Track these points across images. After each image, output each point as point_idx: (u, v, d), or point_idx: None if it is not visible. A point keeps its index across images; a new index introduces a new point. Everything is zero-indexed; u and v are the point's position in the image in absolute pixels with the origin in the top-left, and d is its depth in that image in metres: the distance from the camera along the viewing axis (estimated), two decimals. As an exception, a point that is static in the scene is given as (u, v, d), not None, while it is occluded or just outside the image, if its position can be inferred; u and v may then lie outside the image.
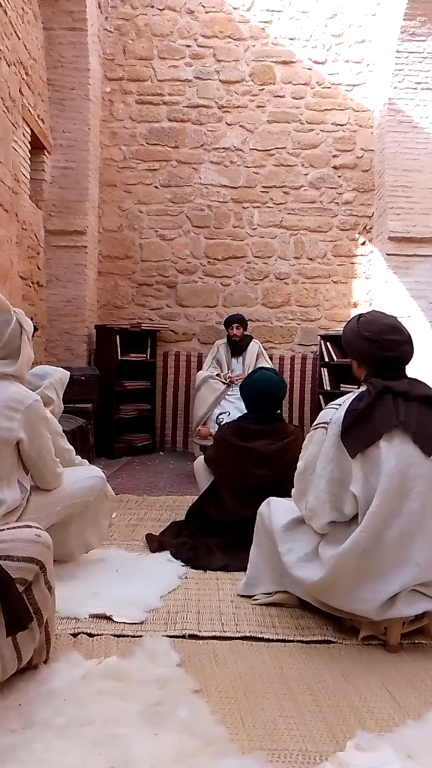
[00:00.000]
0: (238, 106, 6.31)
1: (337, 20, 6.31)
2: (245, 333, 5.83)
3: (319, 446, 2.08)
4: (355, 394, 2.09)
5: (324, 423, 2.10)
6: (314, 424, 2.17)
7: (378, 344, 2.08)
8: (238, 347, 5.80)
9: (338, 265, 6.36)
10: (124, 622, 2.16)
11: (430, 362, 5.93)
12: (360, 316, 2.23)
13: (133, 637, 2.06)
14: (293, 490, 2.20)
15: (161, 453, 6.09)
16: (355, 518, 2.00)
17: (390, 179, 5.93)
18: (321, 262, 6.36)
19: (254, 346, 5.87)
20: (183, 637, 2.09)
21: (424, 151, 5.91)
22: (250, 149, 6.31)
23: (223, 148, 6.30)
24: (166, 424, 6.26)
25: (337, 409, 2.09)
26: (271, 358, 6.13)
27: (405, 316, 5.92)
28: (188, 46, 6.29)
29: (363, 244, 6.37)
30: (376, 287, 6.23)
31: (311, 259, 6.35)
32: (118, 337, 5.74)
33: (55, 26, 5.49)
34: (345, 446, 1.99)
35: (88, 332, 5.83)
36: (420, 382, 2.15)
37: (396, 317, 2.23)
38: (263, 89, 6.30)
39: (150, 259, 6.29)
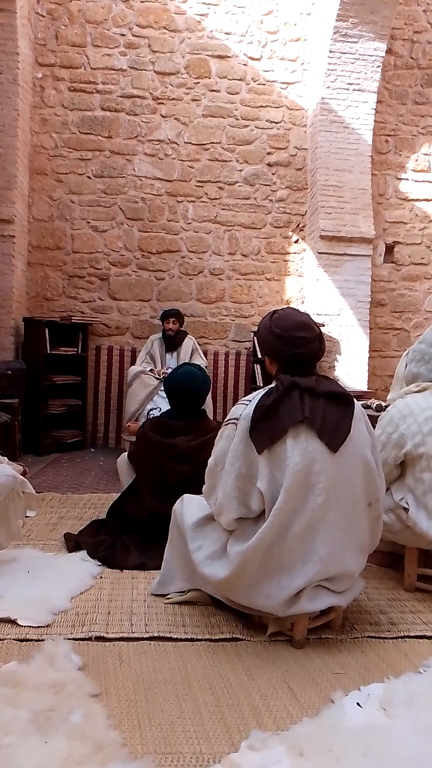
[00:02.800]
0: (173, 99, 6.24)
1: (272, 17, 6.33)
2: (181, 329, 5.79)
3: (229, 442, 2.07)
4: (265, 391, 2.09)
5: (234, 419, 2.09)
6: (225, 420, 2.16)
7: (287, 341, 2.08)
8: (172, 342, 5.75)
9: (272, 262, 6.40)
10: (29, 626, 2.09)
11: (359, 358, 6.07)
12: (274, 312, 2.22)
13: (37, 641, 1.99)
14: (204, 487, 2.18)
15: (92, 449, 5.98)
16: (263, 515, 1.99)
17: (321, 178, 6.01)
18: (255, 258, 6.38)
19: (189, 342, 5.83)
20: (90, 639, 2.04)
21: (354, 152, 6.02)
22: (185, 142, 6.26)
23: (158, 140, 6.22)
24: (98, 419, 6.15)
25: (246, 405, 2.08)
26: (205, 353, 6.10)
27: (335, 314, 6.03)
28: (123, 35, 6.17)
29: (296, 242, 6.43)
30: (308, 285, 6.30)
31: (245, 255, 6.36)
32: (46, 329, 5.59)
33: (-19, 6, 5.27)
34: (252, 442, 1.98)
35: (16, 325, 5.66)
36: (328, 378, 2.17)
37: (308, 315, 2.24)
38: (198, 82, 6.26)
39: (82, 251, 6.15)
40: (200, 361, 5.76)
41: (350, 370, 6.05)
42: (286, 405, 1.98)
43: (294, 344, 2.09)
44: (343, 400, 2.06)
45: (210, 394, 5.65)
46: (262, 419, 1.99)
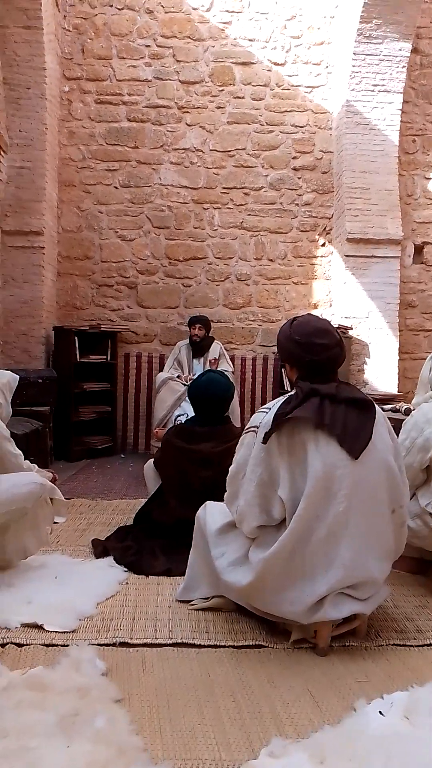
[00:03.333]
0: (197, 107, 6.29)
1: (296, 22, 6.33)
2: (207, 335, 5.83)
3: (250, 450, 2.08)
4: (285, 398, 2.09)
5: (254, 427, 2.09)
6: (246, 428, 2.17)
7: (307, 347, 2.08)
8: (199, 348, 5.80)
9: (298, 266, 6.39)
10: (55, 631, 2.13)
11: (389, 361, 6.01)
12: (294, 319, 2.23)
13: (62, 646, 2.03)
14: (225, 494, 2.19)
15: (122, 455, 6.04)
16: (284, 522, 1.99)
17: (348, 181, 5.97)
18: (281, 263, 6.37)
19: (216, 348, 5.87)
20: (114, 645, 2.06)
21: (381, 153, 5.97)
22: (210, 150, 6.30)
23: (183, 148, 6.28)
24: (127, 426, 6.22)
25: (266, 412, 2.08)
26: (232, 359, 6.13)
27: (363, 317, 5.98)
28: (147, 45, 6.25)
29: (323, 245, 6.41)
30: (335, 288, 6.27)
31: (271, 260, 6.36)
32: (76, 338, 5.68)
33: (10, 24, 5.41)
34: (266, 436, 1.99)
35: (46, 334, 5.77)
36: (349, 385, 2.16)
37: (328, 321, 2.24)
38: (223, 90, 6.30)
39: (110, 260, 6.24)
40: (227, 366, 5.79)
41: (380, 373, 5.99)
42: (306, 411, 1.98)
43: (313, 351, 2.09)
44: (364, 405, 2.05)
45: (237, 399, 5.71)
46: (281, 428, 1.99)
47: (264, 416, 2.08)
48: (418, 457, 2.44)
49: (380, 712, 1.66)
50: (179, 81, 6.27)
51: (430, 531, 2.42)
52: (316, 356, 2.08)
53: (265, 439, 1.98)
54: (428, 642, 2.10)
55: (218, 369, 5.67)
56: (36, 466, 3.59)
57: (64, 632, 2.12)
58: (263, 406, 2.17)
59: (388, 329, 6.00)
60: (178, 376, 5.64)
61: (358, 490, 1.96)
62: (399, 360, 6.08)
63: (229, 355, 6.05)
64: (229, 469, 2.18)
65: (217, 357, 5.76)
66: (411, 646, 2.08)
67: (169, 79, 6.27)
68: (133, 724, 1.60)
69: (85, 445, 5.82)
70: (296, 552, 1.93)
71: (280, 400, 2.11)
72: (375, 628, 2.20)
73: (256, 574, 1.98)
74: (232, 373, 5.80)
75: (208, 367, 5.69)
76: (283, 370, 5.96)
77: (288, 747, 1.50)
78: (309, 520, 1.92)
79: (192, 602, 2.38)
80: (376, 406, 2.12)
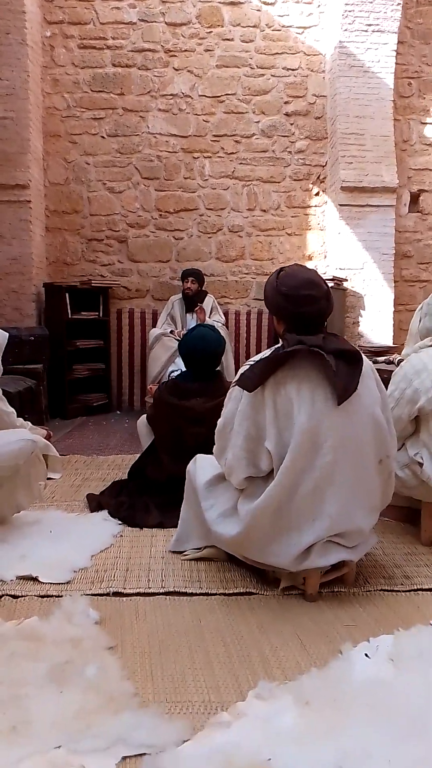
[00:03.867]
0: (185, 50, 6.05)
1: (286, -44, 6.03)
2: (201, 288, 5.76)
3: (237, 403, 2.07)
4: (271, 350, 2.07)
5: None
6: (233, 381, 2.15)
7: (293, 299, 2.05)
8: (192, 302, 5.74)
9: (292, 216, 6.27)
10: (50, 583, 2.17)
11: (384, 312, 5.97)
12: (280, 270, 2.18)
13: (57, 597, 2.07)
14: (214, 447, 2.20)
15: (118, 412, 6.06)
16: (272, 473, 2.00)
17: (341, 127, 5.81)
18: (274, 213, 6.25)
19: (209, 301, 5.82)
20: (107, 594, 2.11)
21: (375, 97, 5.79)
22: (199, 96, 6.09)
23: (171, 94, 6.07)
24: (122, 383, 6.21)
25: (252, 365, 2.07)
26: (226, 313, 6.08)
27: (358, 268, 5.91)
28: (131, -15, 5.97)
29: (317, 194, 6.27)
30: (330, 239, 6.17)
31: (264, 210, 6.24)
32: (67, 295, 5.62)
33: (-15, -37, 5.15)
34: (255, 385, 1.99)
35: (37, 291, 5.70)
36: (337, 336, 2.13)
37: (316, 272, 2.19)
38: (211, 32, 6.05)
39: (99, 213, 6.11)
40: (219, 317, 5.75)
41: (375, 325, 5.95)
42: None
43: (300, 303, 2.06)
44: (352, 357, 2.03)
45: (231, 354, 5.69)
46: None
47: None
48: (406, 409, 2.44)
49: (366, 655, 1.71)
50: (165, 23, 6.02)
51: (419, 480, 2.44)
52: (302, 308, 2.05)
53: (252, 388, 1.97)
54: (415, 587, 2.14)
55: (208, 320, 5.64)
56: (29, 423, 3.59)
57: (59, 584, 2.16)
58: (250, 359, 2.15)
59: (383, 280, 5.93)
60: (171, 332, 5.60)
61: (344, 442, 1.96)
62: (394, 311, 6.02)
63: (223, 310, 6.00)
64: (217, 422, 2.18)
65: (206, 307, 5.69)
66: (398, 591, 2.12)
67: (155, 22, 6.01)
68: (125, 671, 1.65)
69: (80, 403, 5.83)
70: (283, 504, 1.95)
71: (267, 352, 2.09)
72: (363, 575, 2.24)
73: (244, 525, 2.00)
74: (224, 324, 5.77)
75: (205, 317, 5.65)
76: (276, 323, 5.92)
77: (274, 690, 1.55)
78: (295, 472, 1.93)
79: (184, 553, 2.42)
80: (365, 357, 2.10)
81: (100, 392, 6.00)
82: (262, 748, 1.33)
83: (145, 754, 1.33)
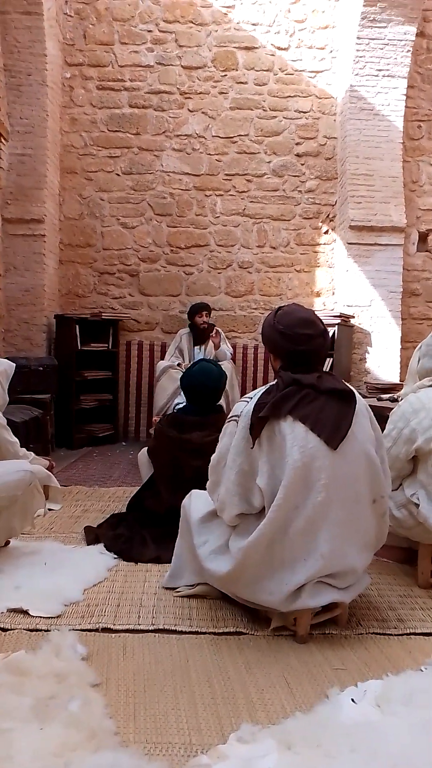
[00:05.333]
0: (200, 93, 6.24)
1: (299, 5, 6.25)
2: (209, 323, 5.83)
3: (231, 439, 2.09)
4: (266, 388, 2.09)
5: (236, 416, 2.10)
6: (228, 416, 2.17)
7: (290, 337, 2.08)
8: (201, 336, 5.80)
9: (301, 253, 6.35)
10: (40, 616, 2.16)
11: (391, 350, 5.98)
12: (279, 309, 2.22)
13: (46, 631, 2.06)
14: (208, 482, 2.21)
15: (123, 443, 6.08)
16: (264, 511, 2.00)
17: (351, 167, 5.92)
18: (284, 250, 6.34)
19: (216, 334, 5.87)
20: (97, 630, 2.09)
21: (385, 139, 5.90)
22: (213, 136, 6.26)
23: (185, 135, 6.24)
24: (129, 414, 6.25)
25: (248, 402, 2.09)
26: (234, 347, 6.14)
27: (366, 305, 5.95)
28: (149, 31, 6.20)
29: (326, 232, 6.36)
30: (338, 276, 6.23)
31: (274, 247, 6.33)
32: (77, 326, 5.70)
33: (10, 10, 5.38)
34: (251, 438, 1.99)
35: (48, 322, 5.79)
36: (332, 375, 2.15)
37: (313, 312, 2.22)
38: (225, 75, 6.24)
39: (112, 248, 6.24)
40: (226, 347, 5.80)
41: (382, 362, 5.96)
42: (286, 402, 1.98)
43: (297, 341, 2.09)
44: (345, 396, 2.05)
45: (237, 388, 5.71)
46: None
47: (245, 406, 2.09)
48: (404, 448, 2.43)
49: (352, 700, 1.68)
50: (181, 66, 6.22)
51: (415, 521, 2.42)
52: (299, 346, 2.08)
53: (253, 440, 1.98)
54: (408, 631, 2.11)
55: (223, 345, 5.70)
56: (33, 454, 3.63)
57: (49, 617, 2.15)
58: (245, 395, 2.17)
59: (390, 318, 5.97)
60: (179, 364, 5.65)
61: (337, 481, 1.96)
62: (402, 349, 6.04)
63: (231, 344, 6.05)
64: (212, 457, 2.19)
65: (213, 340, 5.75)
66: (391, 635, 2.09)
67: (171, 65, 6.22)
68: (108, 708, 1.63)
69: (86, 433, 5.86)
70: (275, 542, 1.95)
71: (262, 389, 2.11)
72: (357, 617, 2.21)
73: (236, 562, 1.99)
74: (232, 355, 5.82)
75: (211, 350, 5.70)
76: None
77: (257, 733, 1.52)
78: (287, 510, 1.93)
79: (177, 589, 2.40)
80: (359, 396, 2.11)
81: (107, 422, 6.04)
82: (240, 794, 1.31)
83: (120, 795, 1.31)
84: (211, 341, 5.70)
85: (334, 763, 1.39)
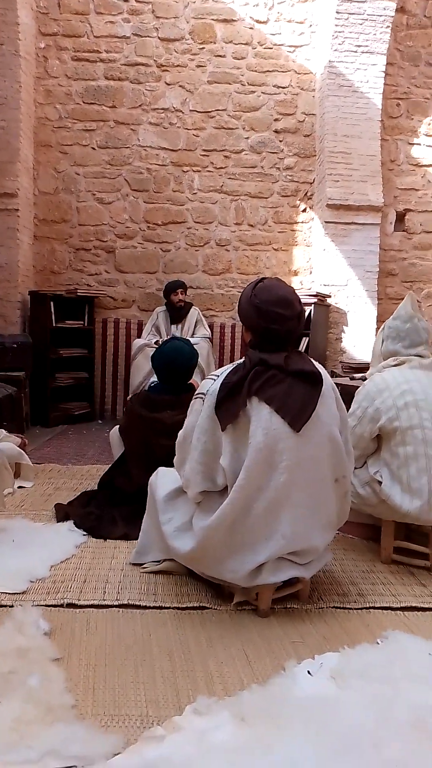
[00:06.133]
0: (177, 66, 6.13)
1: (279, -23, 6.13)
2: (185, 301, 5.81)
3: (197, 416, 2.09)
4: (233, 366, 2.09)
5: (202, 394, 2.10)
6: (195, 394, 2.17)
7: (265, 314, 2.05)
8: (178, 313, 5.78)
9: (279, 232, 6.32)
10: (5, 592, 2.17)
11: (367, 329, 6.01)
12: (259, 281, 2.16)
13: (10, 607, 2.07)
14: (175, 459, 2.22)
15: (100, 421, 6.07)
16: (228, 488, 2.02)
17: (329, 145, 5.88)
18: (262, 228, 6.31)
19: (194, 313, 5.86)
20: (62, 606, 2.11)
21: (364, 117, 5.86)
22: (190, 111, 6.17)
23: (162, 108, 6.14)
24: (105, 392, 6.23)
25: (214, 380, 2.09)
26: (211, 326, 6.12)
27: (342, 285, 5.96)
28: (126, 0, 6.05)
29: (304, 210, 6.33)
30: (315, 255, 6.22)
31: (252, 225, 6.29)
32: (52, 303, 5.64)
33: (-19, -25, 5.22)
34: (217, 418, 2.00)
35: (22, 298, 5.72)
36: (302, 355, 2.14)
37: (293, 290, 2.16)
38: (203, 48, 6.13)
39: (88, 223, 6.15)
40: (204, 331, 5.80)
41: (357, 341, 5.99)
42: (251, 383, 1.99)
43: (271, 319, 2.06)
44: (312, 378, 2.05)
45: (215, 366, 5.71)
46: (227, 397, 2.00)
47: (212, 384, 2.09)
48: (368, 427, 2.46)
49: (309, 672, 1.72)
50: (159, 38, 6.10)
51: (379, 499, 2.46)
52: (272, 325, 2.05)
53: (223, 425, 1.98)
54: (367, 605, 2.15)
55: (197, 332, 5.69)
56: (4, 431, 3.62)
57: (14, 593, 2.16)
58: (212, 373, 2.17)
59: (366, 298, 5.98)
60: (156, 342, 5.63)
61: (300, 463, 1.97)
62: (377, 329, 6.06)
63: (208, 323, 6.05)
64: (178, 434, 2.20)
65: (191, 319, 5.74)
66: (350, 609, 2.13)
67: (148, 36, 6.09)
68: (68, 683, 1.65)
69: (62, 411, 5.84)
70: (237, 522, 1.96)
71: (229, 368, 2.11)
72: (319, 592, 2.25)
73: (198, 541, 2.01)
74: (209, 338, 5.81)
75: (190, 327, 5.69)
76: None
77: (212, 705, 1.55)
78: (249, 492, 1.94)
79: (144, 565, 2.42)
80: (326, 376, 2.12)
81: (83, 401, 6.02)
82: (192, 763, 1.34)
83: (74, 766, 1.34)
84: (193, 322, 5.70)
85: (286, 736, 1.42)
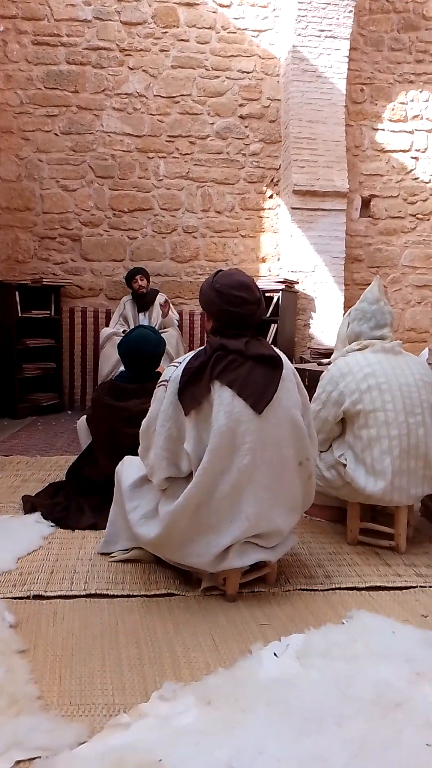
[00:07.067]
0: (140, 50, 6.04)
1: (242, -40, 6.07)
2: (151, 288, 5.78)
3: (161, 404, 2.09)
4: (194, 353, 2.09)
5: (165, 381, 2.10)
6: (158, 381, 2.17)
7: (225, 297, 2.09)
8: (144, 301, 5.74)
9: (246, 218, 6.31)
10: (-30, 586, 2.15)
11: (334, 315, 6.05)
12: (220, 270, 2.24)
13: (-25, 600, 2.05)
14: (139, 447, 2.21)
15: (69, 412, 6.01)
16: (192, 475, 2.02)
17: (294, 131, 5.87)
18: (229, 215, 6.28)
19: (160, 299, 5.82)
20: (28, 598, 2.09)
21: (328, 102, 5.86)
22: (154, 96, 6.09)
23: (126, 93, 6.05)
24: (74, 382, 6.17)
25: (177, 367, 2.09)
26: (180, 314, 6.10)
27: (309, 271, 5.98)
28: (86, -18, 5.93)
29: (270, 197, 6.33)
30: (283, 241, 6.23)
31: (219, 212, 6.27)
32: (17, 293, 5.55)
33: None
34: (181, 404, 2.00)
35: (-14, 289, 5.62)
36: (261, 341, 2.16)
37: (252, 279, 2.22)
38: (166, 32, 6.05)
39: (52, 211, 6.05)
40: (173, 315, 5.78)
41: (325, 327, 6.03)
42: (213, 368, 1.99)
43: (230, 302, 2.09)
44: (272, 362, 2.06)
45: (184, 353, 5.69)
46: (189, 382, 2.01)
47: (174, 371, 2.08)
48: (332, 411, 2.49)
49: (275, 654, 1.74)
50: (120, 22, 6.00)
51: (343, 481, 2.49)
52: (232, 308, 2.09)
53: (186, 410, 1.98)
54: (333, 586, 2.18)
55: (168, 315, 5.67)
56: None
57: (-21, 587, 2.14)
58: (175, 360, 2.17)
59: (333, 283, 6.02)
60: (124, 331, 5.59)
61: (262, 445, 1.99)
62: (344, 314, 6.10)
63: (177, 310, 6.01)
64: (142, 422, 2.19)
65: (161, 306, 5.71)
66: (317, 590, 2.16)
67: (110, 20, 5.98)
68: (33, 674, 1.64)
69: (30, 402, 5.76)
70: (201, 505, 1.97)
71: (190, 354, 2.11)
72: (286, 575, 2.27)
73: (164, 526, 2.01)
74: (178, 322, 5.81)
75: (158, 315, 5.67)
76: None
77: (178, 690, 1.56)
78: (213, 474, 1.95)
79: (112, 555, 2.42)
80: (286, 361, 2.13)
81: (52, 392, 5.95)
82: (156, 748, 1.35)
83: (38, 757, 1.33)
84: (160, 309, 5.66)
85: (250, 717, 1.44)
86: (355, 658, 1.65)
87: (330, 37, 5.76)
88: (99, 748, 1.35)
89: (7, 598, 2.06)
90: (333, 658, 1.69)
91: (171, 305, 5.87)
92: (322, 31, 5.74)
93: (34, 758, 1.33)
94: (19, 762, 1.33)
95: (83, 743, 1.38)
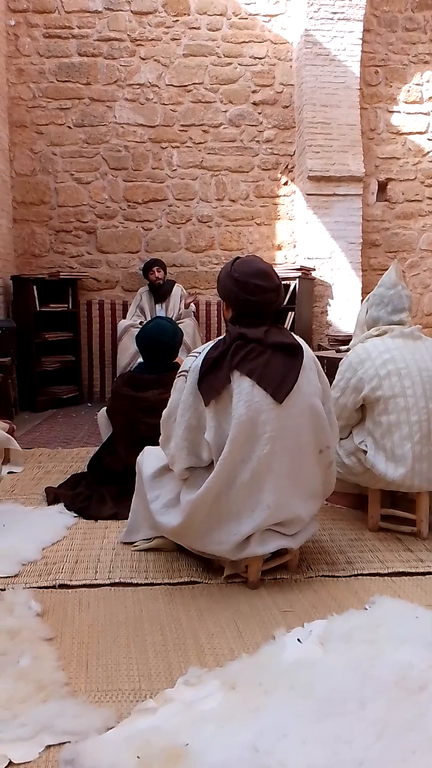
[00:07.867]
0: (151, 39, 6.01)
1: None
2: (168, 278, 5.78)
3: (181, 394, 2.10)
4: (214, 342, 2.10)
5: (185, 371, 2.11)
6: (178, 372, 2.18)
7: (244, 286, 2.09)
8: (161, 293, 5.75)
9: (261, 206, 6.27)
10: (-4, 576, 2.19)
11: (352, 301, 6.01)
12: (238, 258, 2.23)
13: (2, 590, 2.08)
14: (160, 437, 2.23)
15: (89, 404, 6.06)
16: (213, 464, 2.03)
17: (308, 115, 5.81)
18: (243, 203, 6.25)
19: (177, 290, 5.83)
20: (54, 587, 2.13)
21: (342, 86, 5.79)
22: (167, 85, 6.06)
23: (138, 84, 6.03)
24: (93, 374, 6.21)
25: (196, 357, 2.10)
26: (197, 304, 6.09)
27: (326, 257, 5.93)
28: (95, -28, 5.91)
29: (285, 184, 6.28)
30: (298, 228, 6.18)
31: (233, 200, 6.24)
32: (35, 287, 5.59)
33: None
34: (201, 394, 2.01)
35: (4, 284, 5.66)
36: (281, 329, 2.15)
37: (271, 266, 2.21)
38: (177, 21, 6.01)
39: (67, 204, 6.07)
40: (192, 307, 5.79)
41: (343, 314, 5.99)
42: (232, 358, 2.00)
43: (249, 291, 2.09)
44: (292, 350, 2.07)
45: (201, 343, 5.70)
46: (209, 372, 2.02)
47: (194, 361, 2.09)
48: (351, 397, 2.48)
49: (298, 640, 1.75)
50: (131, 12, 5.96)
51: (364, 468, 2.48)
52: (250, 296, 2.09)
53: (206, 400, 1.99)
54: (355, 572, 2.19)
55: (190, 309, 5.71)
56: (-9, 418, 3.60)
57: (5, 577, 2.18)
58: (194, 350, 2.18)
59: (350, 269, 5.97)
60: (141, 323, 5.60)
61: (282, 433, 1.99)
62: (362, 300, 6.05)
63: (194, 300, 6.01)
64: (163, 412, 2.20)
65: (175, 297, 5.73)
66: (338, 576, 2.17)
67: (121, 10, 5.96)
68: (60, 661, 1.67)
69: (50, 395, 5.82)
70: (222, 494, 1.98)
71: (210, 344, 2.12)
72: (307, 561, 2.28)
73: (185, 515, 2.03)
74: (195, 312, 5.84)
75: (181, 310, 5.69)
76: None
77: (203, 675, 1.58)
78: (233, 464, 1.96)
79: (135, 544, 2.44)
80: (306, 348, 2.13)
81: (71, 384, 6.00)
82: (182, 732, 1.37)
83: (68, 741, 1.36)
84: (183, 302, 5.69)
85: (272, 699, 1.45)
86: (378, 642, 1.65)
87: (343, 19, 5.67)
88: (126, 732, 1.38)
89: (33, 587, 2.10)
90: (356, 642, 1.70)
91: (186, 294, 5.88)
92: (335, 13, 5.66)
93: (63, 743, 1.36)
94: (49, 746, 1.36)
95: (111, 728, 1.40)
